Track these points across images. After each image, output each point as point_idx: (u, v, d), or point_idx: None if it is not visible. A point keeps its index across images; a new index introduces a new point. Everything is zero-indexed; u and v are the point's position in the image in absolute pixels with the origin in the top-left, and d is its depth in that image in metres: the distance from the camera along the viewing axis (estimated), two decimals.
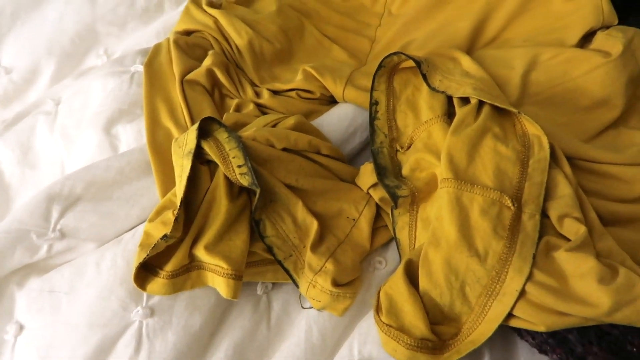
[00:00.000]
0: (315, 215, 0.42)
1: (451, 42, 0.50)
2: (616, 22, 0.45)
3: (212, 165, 0.42)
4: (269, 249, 0.41)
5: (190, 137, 0.41)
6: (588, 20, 0.45)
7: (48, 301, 0.41)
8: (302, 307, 0.42)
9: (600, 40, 0.44)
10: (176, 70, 0.50)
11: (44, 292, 0.41)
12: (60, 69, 0.59)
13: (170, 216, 0.40)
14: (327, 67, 0.51)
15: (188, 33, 0.55)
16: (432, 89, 0.45)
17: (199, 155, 0.41)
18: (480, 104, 0.43)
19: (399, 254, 0.43)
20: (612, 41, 0.43)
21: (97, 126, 0.49)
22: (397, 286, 0.38)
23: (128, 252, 0.42)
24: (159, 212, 0.42)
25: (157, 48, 0.54)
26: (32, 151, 0.53)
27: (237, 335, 0.41)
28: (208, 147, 0.41)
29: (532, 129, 0.40)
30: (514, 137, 0.41)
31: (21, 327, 0.41)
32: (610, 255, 0.35)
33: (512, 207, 0.37)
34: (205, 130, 0.42)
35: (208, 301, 0.41)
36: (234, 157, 0.40)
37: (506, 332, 0.39)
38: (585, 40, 0.46)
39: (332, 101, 0.53)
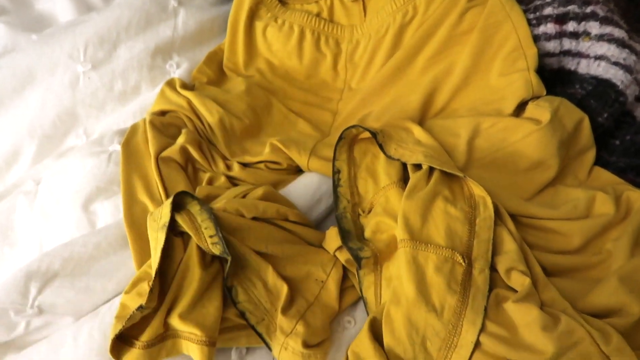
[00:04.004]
0: (285, 279, 0.44)
1: (404, 113, 0.55)
2: (544, 93, 0.51)
3: (185, 237, 0.44)
4: (242, 314, 0.43)
5: (164, 211, 0.44)
6: (520, 92, 0.51)
7: None
8: None
9: (530, 109, 0.50)
10: (152, 148, 0.53)
11: None
12: (41, 150, 0.62)
13: (145, 287, 0.42)
14: (293, 139, 0.55)
15: (163, 113, 0.59)
16: (388, 157, 0.49)
17: (173, 228, 0.44)
18: (431, 169, 0.47)
19: (367, 312, 0.46)
20: (540, 110, 0.48)
21: (76, 204, 0.52)
22: (363, 344, 0.40)
23: (105, 324, 0.43)
24: (135, 284, 0.43)
25: (134, 128, 0.57)
26: (12, 230, 0.55)
27: None
28: (181, 220, 0.43)
29: (477, 190, 0.45)
30: (461, 198, 0.45)
31: None
32: (553, 304, 0.39)
33: (463, 264, 0.40)
34: (179, 204, 0.45)
35: None
36: (205, 228, 0.43)
37: None
38: (520, 109, 0.51)
39: (298, 170, 0.56)
